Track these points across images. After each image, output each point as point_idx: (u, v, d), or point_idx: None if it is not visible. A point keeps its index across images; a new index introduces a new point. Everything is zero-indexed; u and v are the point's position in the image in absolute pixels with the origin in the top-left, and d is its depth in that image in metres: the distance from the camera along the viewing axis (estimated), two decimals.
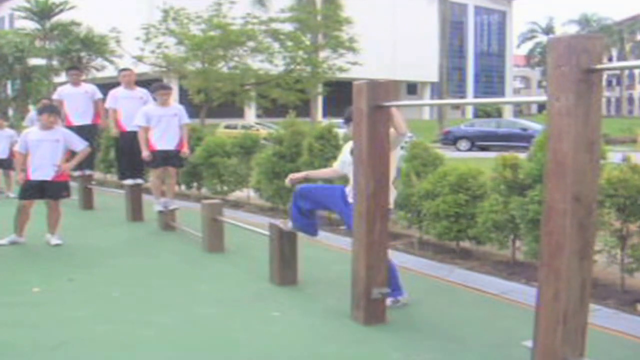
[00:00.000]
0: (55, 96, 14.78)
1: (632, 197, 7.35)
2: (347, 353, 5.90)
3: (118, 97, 13.35)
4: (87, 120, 14.26)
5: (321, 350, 5.96)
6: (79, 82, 14.77)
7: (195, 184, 16.49)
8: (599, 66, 4.13)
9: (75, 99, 14.31)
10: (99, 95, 14.47)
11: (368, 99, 6.24)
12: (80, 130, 12.74)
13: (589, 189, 4.24)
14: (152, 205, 12.20)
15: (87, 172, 14.70)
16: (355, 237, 6.62)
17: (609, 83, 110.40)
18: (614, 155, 8.35)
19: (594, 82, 4.14)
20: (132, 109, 12.83)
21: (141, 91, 13.54)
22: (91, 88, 14.77)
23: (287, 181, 7.88)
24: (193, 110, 29.95)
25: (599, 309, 7.02)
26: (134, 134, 12.57)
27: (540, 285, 4.47)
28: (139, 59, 44.59)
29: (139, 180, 13.26)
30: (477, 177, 9.53)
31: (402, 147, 8.13)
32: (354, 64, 45.58)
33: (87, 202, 14.83)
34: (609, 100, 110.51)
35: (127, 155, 13.23)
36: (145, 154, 11.67)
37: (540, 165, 7.68)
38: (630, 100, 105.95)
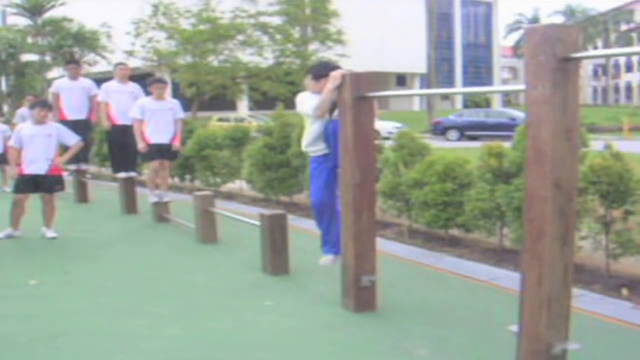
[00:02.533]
0: (52, 89, 14.74)
1: (615, 184, 7.48)
2: (339, 340, 5.98)
3: (110, 91, 13.43)
4: (82, 115, 14.22)
5: (313, 338, 6.06)
6: (77, 77, 14.65)
7: (188, 177, 16.57)
8: (574, 55, 4.20)
9: (72, 93, 14.27)
10: (95, 90, 14.36)
11: (352, 89, 6.34)
12: (75, 125, 12.86)
13: (568, 176, 4.32)
14: (147, 197, 12.29)
15: (83, 166, 14.72)
16: (343, 227, 6.72)
17: (595, 73, 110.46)
18: (598, 143, 8.47)
19: (570, 70, 4.22)
20: (123, 103, 12.99)
21: (133, 86, 13.62)
22: (88, 83, 14.63)
23: None
24: (185, 103, 29.98)
25: (585, 294, 7.14)
26: (125, 127, 12.67)
27: (524, 271, 4.53)
28: (130, 53, 44.54)
29: (132, 173, 13.32)
30: (464, 166, 9.66)
31: (389, 138, 8.22)
32: (343, 56, 45.54)
33: (82, 196, 14.91)
34: (595, 90, 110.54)
35: (119, 148, 13.33)
36: (141, 145, 11.75)
37: (524, 154, 7.77)
38: (616, 89, 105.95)
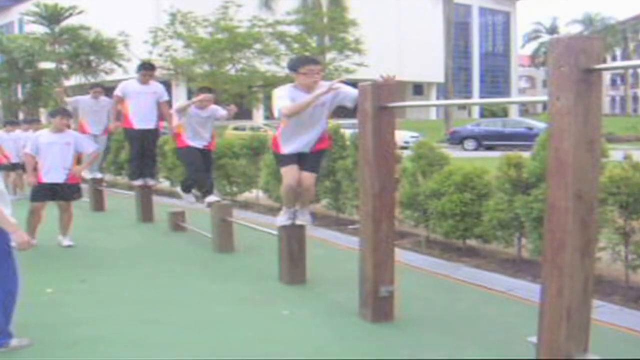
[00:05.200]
0: (117, 92, 13.05)
1: (634, 195, 7.43)
2: (355, 350, 5.98)
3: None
4: (151, 124, 12.95)
5: (330, 348, 6.04)
6: (149, 80, 13.00)
7: None
8: (597, 66, 4.19)
9: (141, 98, 12.77)
10: (166, 96, 13.14)
11: (373, 100, 6.34)
12: (143, 136, 12.57)
13: (590, 187, 4.30)
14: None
15: (150, 181, 13.44)
16: (361, 236, 6.72)
17: (614, 82, 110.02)
18: (617, 153, 8.41)
19: (593, 81, 4.21)
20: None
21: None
22: (159, 88, 13.11)
23: None
24: None
25: (603, 305, 7.10)
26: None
27: (544, 281, 4.51)
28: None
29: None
30: (482, 176, 9.62)
31: (407, 147, 8.16)
32: (360, 65, 45.63)
33: (98, 204, 14.96)
34: (613, 99, 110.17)
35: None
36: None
37: (543, 164, 7.74)
38: (635, 99, 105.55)
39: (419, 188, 10.30)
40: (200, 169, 11.29)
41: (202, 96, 11.00)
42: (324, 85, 7.67)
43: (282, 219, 8.43)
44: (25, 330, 6.16)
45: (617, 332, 6.41)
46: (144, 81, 12.87)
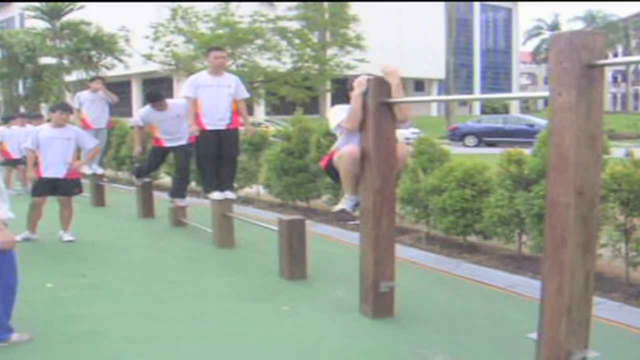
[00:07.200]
0: (139, 122, 12.60)
1: (636, 192, 7.43)
2: (356, 346, 5.98)
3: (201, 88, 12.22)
4: (182, 141, 12.08)
5: (330, 344, 6.04)
6: (167, 107, 12.11)
7: None
8: (599, 62, 4.17)
9: (168, 123, 12.07)
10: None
11: (373, 95, 6.32)
12: (171, 151, 12.33)
13: (591, 183, 4.29)
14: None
15: (182, 203, 12.49)
16: (362, 232, 6.70)
17: (615, 79, 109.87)
18: (618, 150, 8.42)
19: (595, 77, 4.19)
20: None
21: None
22: (181, 110, 11.74)
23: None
24: None
25: (604, 301, 7.10)
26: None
27: (545, 278, 4.50)
28: (148, 57, 44.73)
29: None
30: (483, 172, 9.62)
31: (408, 143, 8.02)
32: (361, 61, 45.53)
33: (99, 200, 14.99)
34: (614, 96, 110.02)
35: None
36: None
37: (544, 160, 7.72)
38: (636, 96, 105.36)
39: (420, 184, 10.29)
40: (211, 161, 10.57)
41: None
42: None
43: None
44: (25, 325, 6.16)
45: (617, 329, 6.40)
46: (161, 109, 12.04)
